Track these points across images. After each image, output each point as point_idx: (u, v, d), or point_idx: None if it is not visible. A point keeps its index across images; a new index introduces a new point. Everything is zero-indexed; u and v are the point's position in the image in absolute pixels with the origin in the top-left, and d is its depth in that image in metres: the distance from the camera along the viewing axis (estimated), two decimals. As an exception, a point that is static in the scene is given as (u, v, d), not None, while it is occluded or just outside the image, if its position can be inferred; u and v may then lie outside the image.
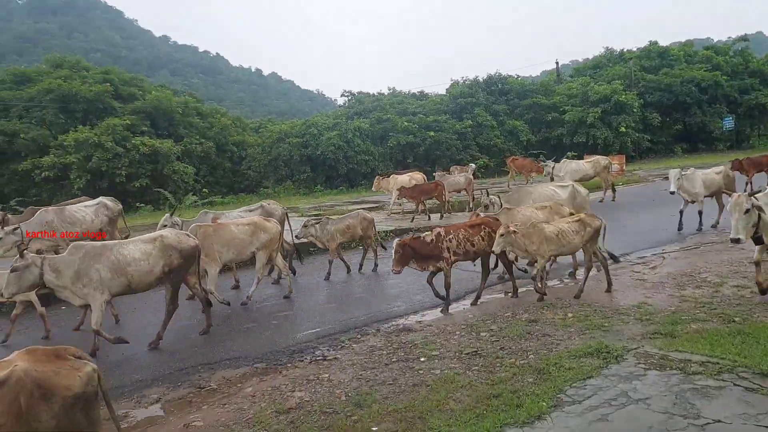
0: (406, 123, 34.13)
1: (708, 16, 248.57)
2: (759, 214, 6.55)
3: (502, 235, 7.47)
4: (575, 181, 16.74)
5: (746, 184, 18.11)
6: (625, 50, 47.11)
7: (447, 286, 8.06)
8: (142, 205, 25.20)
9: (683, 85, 38.85)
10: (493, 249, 7.58)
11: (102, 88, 29.46)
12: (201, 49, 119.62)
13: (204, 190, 28.74)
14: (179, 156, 28.29)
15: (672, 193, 12.43)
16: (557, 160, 19.84)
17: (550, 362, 5.61)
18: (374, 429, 4.66)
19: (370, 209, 16.41)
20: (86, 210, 10.78)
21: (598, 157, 20.03)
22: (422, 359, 6.23)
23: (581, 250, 8.17)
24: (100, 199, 11.50)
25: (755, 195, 6.83)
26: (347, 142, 32.07)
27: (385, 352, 6.59)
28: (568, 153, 36.26)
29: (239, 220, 9.95)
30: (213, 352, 7.17)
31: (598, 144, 35.44)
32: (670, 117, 40.01)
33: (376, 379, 5.80)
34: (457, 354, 6.24)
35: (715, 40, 49.62)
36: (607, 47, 49.56)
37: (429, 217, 16.83)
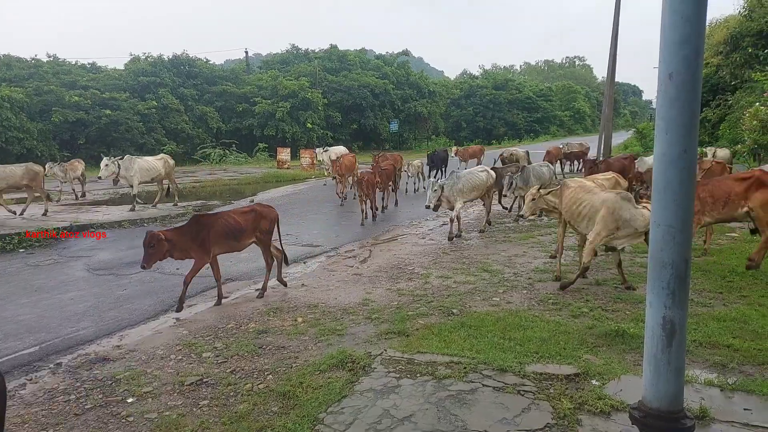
0: (76, 98, 29.03)
1: (375, 30, 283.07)
2: None
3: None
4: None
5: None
6: (309, 50, 49.69)
7: None
8: None
9: (360, 89, 42.93)
10: None
11: None
12: None
13: None
14: None
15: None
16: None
17: (293, 382, 4.87)
18: None
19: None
20: None
21: (165, 155, 17.21)
22: (130, 400, 4.78)
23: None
24: None
25: None
26: (-8, 114, 25.56)
27: (73, 396, 4.88)
28: (259, 144, 36.44)
29: None
30: None
31: (287, 138, 36.52)
32: (348, 117, 43.78)
33: (65, 441, 4.17)
34: (177, 386, 4.98)
35: (376, 52, 56.06)
36: (293, 44, 51.49)
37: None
